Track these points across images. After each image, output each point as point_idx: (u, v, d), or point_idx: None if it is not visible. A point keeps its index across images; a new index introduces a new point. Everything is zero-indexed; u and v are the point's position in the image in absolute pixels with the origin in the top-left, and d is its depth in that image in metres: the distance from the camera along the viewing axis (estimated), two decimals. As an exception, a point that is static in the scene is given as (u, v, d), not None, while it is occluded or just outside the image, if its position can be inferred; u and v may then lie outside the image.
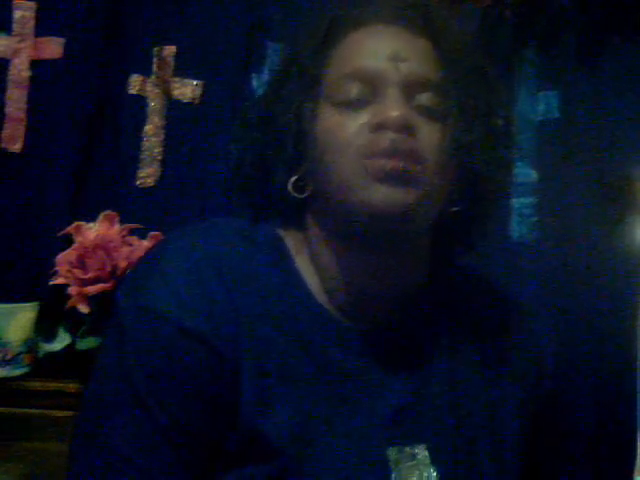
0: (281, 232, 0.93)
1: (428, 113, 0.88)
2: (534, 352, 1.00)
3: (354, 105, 0.88)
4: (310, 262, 0.91)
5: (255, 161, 0.94)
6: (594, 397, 1.49)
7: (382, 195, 0.84)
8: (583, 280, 1.51)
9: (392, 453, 0.86)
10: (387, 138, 0.85)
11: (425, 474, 0.86)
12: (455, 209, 0.92)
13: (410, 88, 0.88)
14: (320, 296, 0.90)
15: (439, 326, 0.95)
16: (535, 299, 1.51)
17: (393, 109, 0.85)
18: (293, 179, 0.91)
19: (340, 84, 0.89)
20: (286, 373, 0.85)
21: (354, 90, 0.88)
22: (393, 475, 0.85)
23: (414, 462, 0.86)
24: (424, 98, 0.88)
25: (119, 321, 0.85)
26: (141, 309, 0.84)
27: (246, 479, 0.83)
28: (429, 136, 0.87)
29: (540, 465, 1.03)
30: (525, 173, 1.55)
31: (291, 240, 0.93)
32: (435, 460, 0.87)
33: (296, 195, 0.91)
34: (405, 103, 0.87)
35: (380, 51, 0.89)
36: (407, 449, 0.87)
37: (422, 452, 0.87)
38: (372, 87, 0.88)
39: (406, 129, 0.85)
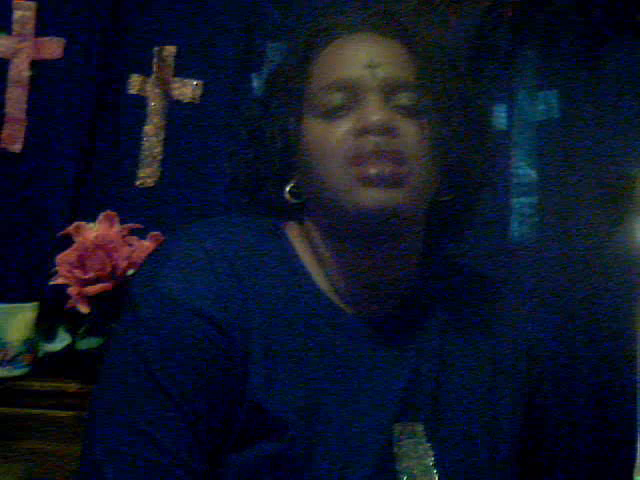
0: (284, 226, 0.98)
1: (407, 112, 0.93)
2: (523, 337, 1.04)
3: (337, 114, 0.93)
4: (312, 254, 0.96)
5: (250, 173, 1.00)
6: (594, 397, 1.49)
7: (370, 198, 0.89)
8: (583, 280, 1.51)
9: (396, 429, 0.91)
10: (371, 142, 0.90)
11: (421, 449, 0.91)
12: (444, 198, 0.97)
13: (388, 91, 0.93)
14: (323, 285, 0.95)
15: (434, 313, 0.99)
16: (535, 299, 1.51)
17: (374, 113, 0.90)
18: (288, 187, 0.97)
19: (322, 95, 0.94)
20: (292, 355, 0.90)
21: (335, 99, 0.93)
22: (394, 449, 0.90)
23: (413, 439, 0.91)
24: (402, 98, 0.93)
25: (133, 307, 0.90)
26: (155, 294, 0.88)
27: (255, 457, 0.87)
28: (410, 133, 0.92)
29: (540, 465, 1.04)
30: (525, 173, 1.56)
31: (293, 234, 0.98)
32: (431, 437, 0.92)
33: (292, 201, 0.97)
34: (385, 106, 0.92)
35: (357, 60, 0.94)
36: (408, 425, 0.92)
37: (420, 429, 0.92)
38: (352, 95, 0.92)
39: (388, 131, 0.90)
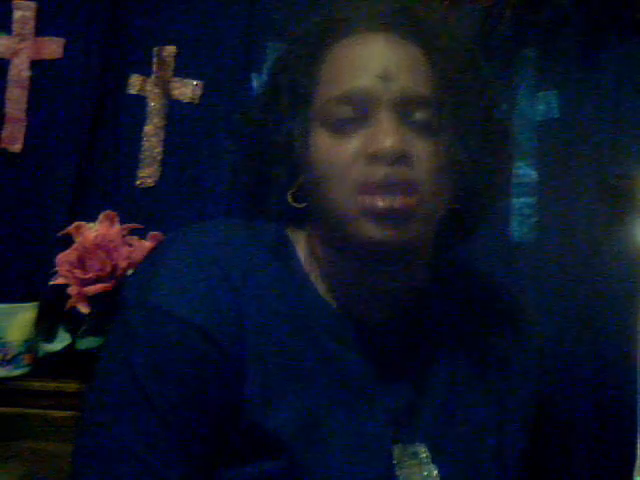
0: (287, 231, 0.93)
1: (423, 130, 0.86)
2: (533, 350, 1.01)
3: (346, 128, 0.85)
4: (314, 261, 0.92)
5: (252, 174, 0.94)
6: (594, 397, 1.49)
7: (377, 233, 0.83)
8: (583, 280, 1.50)
9: (396, 451, 0.87)
10: (381, 172, 0.83)
11: (426, 472, 0.87)
12: (455, 206, 0.91)
13: (403, 107, 0.85)
14: (325, 294, 0.91)
15: (440, 326, 0.95)
16: (535, 299, 1.51)
17: (386, 136, 0.83)
18: (291, 191, 0.91)
19: (330, 106, 0.86)
20: (290, 370, 0.86)
21: (344, 113, 0.86)
22: (397, 472, 0.86)
23: (416, 460, 0.87)
24: (418, 115, 0.86)
25: (124, 318, 0.86)
26: (147, 306, 0.84)
27: (251, 476, 0.84)
28: (425, 157, 0.85)
29: (540, 465, 1.03)
30: (525, 173, 1.55)
31: (297, 239, 0.93)
32: (436, 458, 0.88)
33: (295, 205, 0.91)
34: (399, 124, 0.84)
35: (370, 68, 0.86)
36: (409, 447, 0.87)
37: (423, 451, 0.88)
38: (363, 109, 0.85)
39: (400, 159, 0.83)
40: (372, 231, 0.83)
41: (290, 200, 0.91)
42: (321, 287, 0.91)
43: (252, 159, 0.93)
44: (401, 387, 0.90)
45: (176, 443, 0.82)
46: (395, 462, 0.86)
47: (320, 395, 0.86)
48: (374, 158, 0.83)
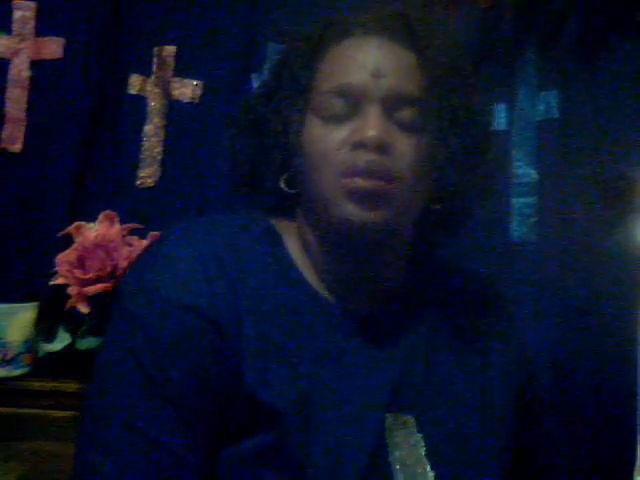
0: (275, 223, 0.99)
1: (407, 127, 0.92)
2: (512, 335, 1.04)
3: (337, 118, 0.92)
4: (303, 250, 0.97)
5: (248, 159, 1.00)
6: (594, 397, 1.49)
7: (357, 214, 0.90)
8: (583, 280, 1.51)
9: (388, 419, 0.92)
10: (364, 158, 0.90)
11: (413, 440, 0.92)
12: (436, 206, 0.97)
13: (390, 103, 0.92)
14: (313, 280, 0.96)
15: (424, 310, 1.00)
16: (535, 299, 1.51)
17: (371, 128, 0.90)
18: (284, 176, 0.97)
19: (325, 98, 0.93)
20: (284, 348, 0.91)
21: (337, 105, 0.92)
22: (387, 439, 0.91)
23: (405, 429, 0.92)
24: (404, 112, 0.92)
25: (123, 306, 0.90)
26: (146, 291, 0.89)
27: (250, 449, 0.87)
28: (406, 151, 0.91)
29: (540, 465, 1.04)
30: (525, 173, 1.56)
31: (284, 230, 0.98)
32: (422, 428, 0.93)
33: (288, 190, 0.97)
34: (384, 119, 0.91)
35: (363, 66, 0.93)
36: (399, 416, 0.92)
37: (411, 420, 0.93)
38: (354, 102, 0.92)
39: (382, 149, 0.90)
40: (352, 211, 0.89)
41: (283, 185, 0.97)
42: (309, 274, 0.96)
43: (250, 145, 1.00)
44: (388, 365, 0.94)
45: (180, 419, 0.86)
46: (386, 430, 0.91)
47: (313, 371, 0.91)
48: (358, 145, 0.90)
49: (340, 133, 0.91)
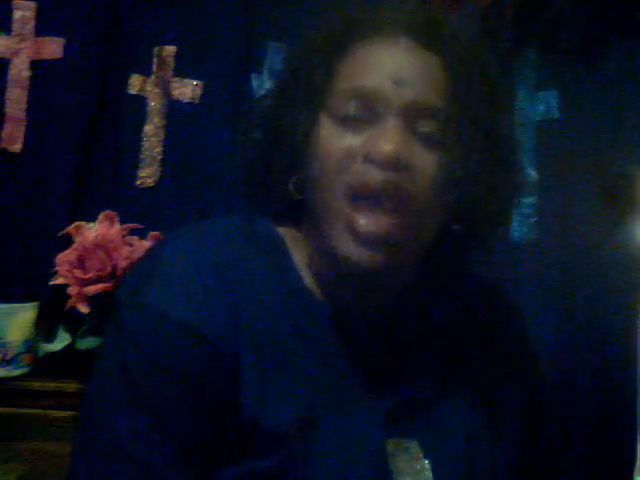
0: (280, 230, 0.93)
1: (429, 141, 0.84)
2: (528, 352, 1.01)
3: (352, 124, 0.85)
4: (307, 260, 0.91)
5: (257, 160, 0.93)
6: (594, 397, 1.49)
7: (360, 257, 0.83)
8: (583, 280, 1.51)
9: (390, 445, 0.88)
10: (377, 176, 0.82)
11: (419, 466, 0.88)
12: (456, 227, 0.89)
13: (412, 114, 0.84)
14: (317, 291, 0.90)
15: (431, 330, 0.95)
16: (535, 299, 1.51)
17: (387, 141, 0.82)
18: (293, 179, 0.90)
19: (341, 100, 0.86)
20: (285, 367, 0.86)
21: (351, 108, 0.85)
22: (390, 465, 0.87)
23: (408, 455, 0.88)
24: (426, 125, 0.84)
25: (120, 319, 0.86)
26: (141, 307, 0.84)
27: (249, 473, 0.84)
28: (426, 170, 0.84)
29: (540, 465, 1.03)
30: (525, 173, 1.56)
31: (289, 237, 0.92)
32: (428, 454, 0.88)
33: (295, 195, 0.90)
34: (404, 132, 0.83)
35: (384, 70, 0.85)
36: (402, 442, 0.88)
37: (414, 446, 0.88)
38: (371, 108, 0.84)
39: (398, 166, 0.82)
40: (355, 252, 0.83)
41: (291, 189, 0.90)
42: (313, 285, 0.90)
43: (260, 142, 0.92)
44: (394, 384, 0.90)
45: (172, 442, 0.82)
46: (389, 456, 0.87)
47: (315, 391, 0.86)
48: (371, 158, 0.83)
49: (354, 139, 0.84)
